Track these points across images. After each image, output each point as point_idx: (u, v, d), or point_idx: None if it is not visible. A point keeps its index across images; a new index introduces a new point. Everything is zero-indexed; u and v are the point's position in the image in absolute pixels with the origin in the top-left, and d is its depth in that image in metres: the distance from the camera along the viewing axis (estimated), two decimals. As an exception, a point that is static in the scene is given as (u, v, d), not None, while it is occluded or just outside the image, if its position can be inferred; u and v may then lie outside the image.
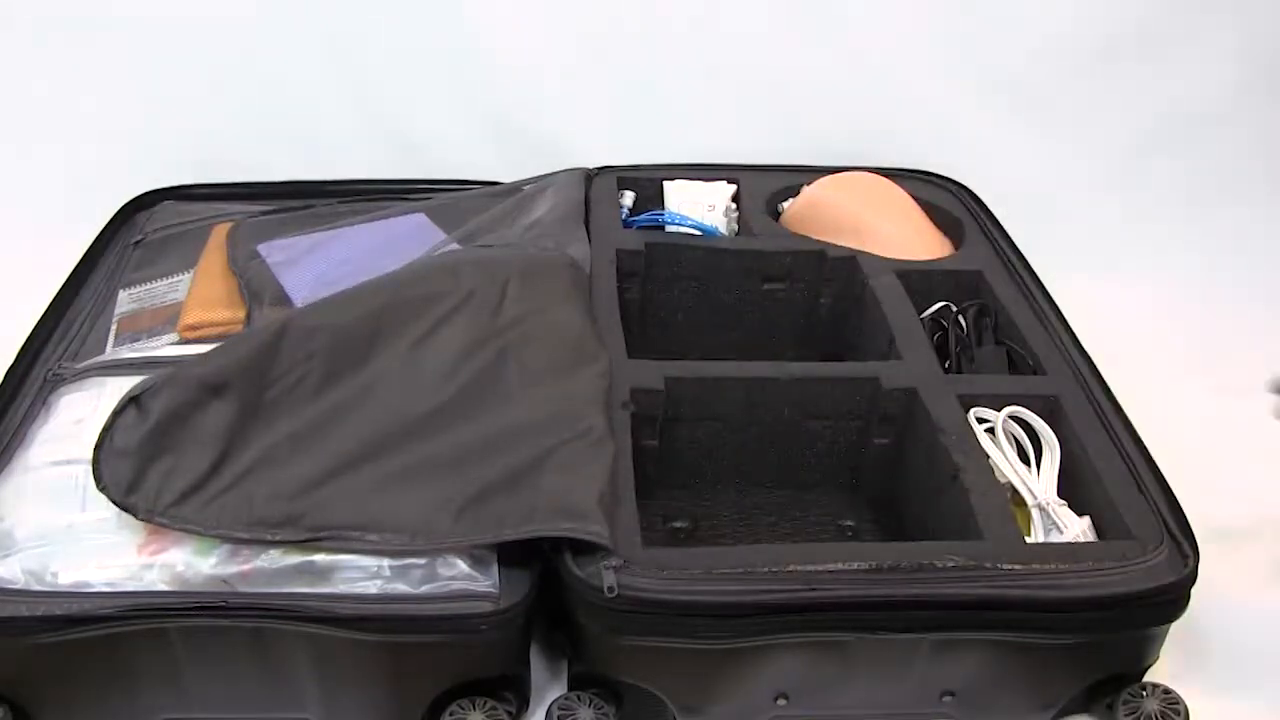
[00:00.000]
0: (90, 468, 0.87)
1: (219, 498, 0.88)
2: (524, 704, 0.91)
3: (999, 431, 1.03)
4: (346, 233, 1.28)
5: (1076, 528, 0.95)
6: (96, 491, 0.86)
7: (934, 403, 1.04)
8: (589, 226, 1.28)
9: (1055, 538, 0.95)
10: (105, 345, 1.13)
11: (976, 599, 0.86)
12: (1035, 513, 0.97)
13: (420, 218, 1.31)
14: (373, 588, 0.86)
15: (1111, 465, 0.98)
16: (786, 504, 1.12)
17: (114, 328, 1.16)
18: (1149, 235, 1.52)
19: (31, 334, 1.12)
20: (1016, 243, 1.31)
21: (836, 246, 1.27)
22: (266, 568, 0.85)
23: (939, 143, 1.51)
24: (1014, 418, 1.04)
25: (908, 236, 1.32)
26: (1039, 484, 0.99)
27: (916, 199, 1.38)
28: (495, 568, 0.87)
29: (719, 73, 1.50)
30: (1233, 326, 1.42)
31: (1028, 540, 0.95)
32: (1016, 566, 0.86)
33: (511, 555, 0.88)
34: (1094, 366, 1.10)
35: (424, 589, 0.86)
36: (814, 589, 0.85)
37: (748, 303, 1.29)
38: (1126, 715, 0.90)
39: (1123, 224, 1.54)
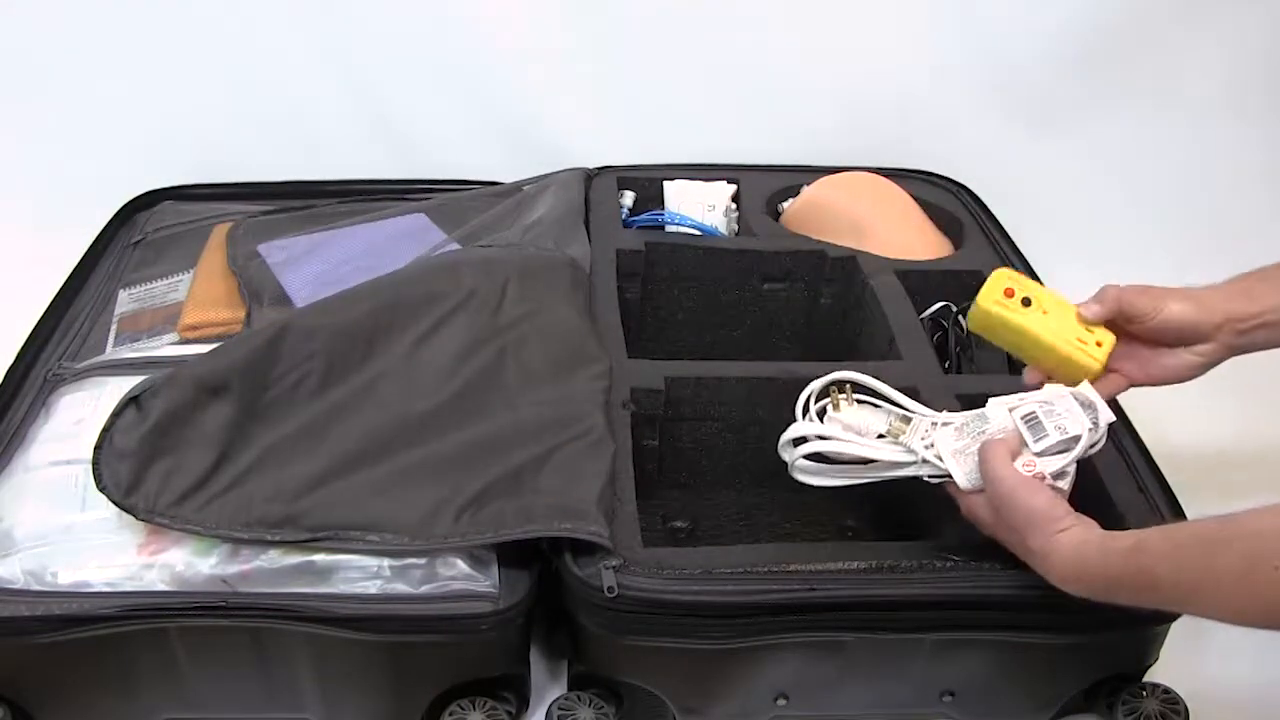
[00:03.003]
0: (90, 468, 0.87)
1: (219, 498, 0.88)
2: (524, 704, 0.91)
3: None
4: (346, 233, 1.28)
5: None
6: (96, 491, 0.86)
7: (934, 403, 1.04)
8: (589, 226, 1.28)
9: None
10: (105, 345, 1.13)
11: (976, 599, 0.86)
12: None
13: (420, 218, 1.31)
14: (373, 588, 0.86)
15: (1111, 464, 0.98)
16: (786, 504, 1.11)
17: (114, 328, 1.16)
18: (1149, 235, 1.51)
19: (31, 334, 1.12)
20: (1016, 243, 1.31)
21: (836, 246, 1.27)
22: (266, 568, 0.85)
23: (939, 143, 1.51)
24: None
25: (908, 236, 1.31)
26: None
27: (916, 199, 1.38)
28: (495, 568, 0.87)
29: (719, 73, 1.50)
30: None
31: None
32: (1016, 566, 0.86)
33: (511, 555, 0.88)
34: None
35: (424, 589, 0.86)
36: (814, 589, 0.85)
37: (748, 303, 1.29)
38: (1126, 715, 0.90)
39: (1122, 224, 1.54)
